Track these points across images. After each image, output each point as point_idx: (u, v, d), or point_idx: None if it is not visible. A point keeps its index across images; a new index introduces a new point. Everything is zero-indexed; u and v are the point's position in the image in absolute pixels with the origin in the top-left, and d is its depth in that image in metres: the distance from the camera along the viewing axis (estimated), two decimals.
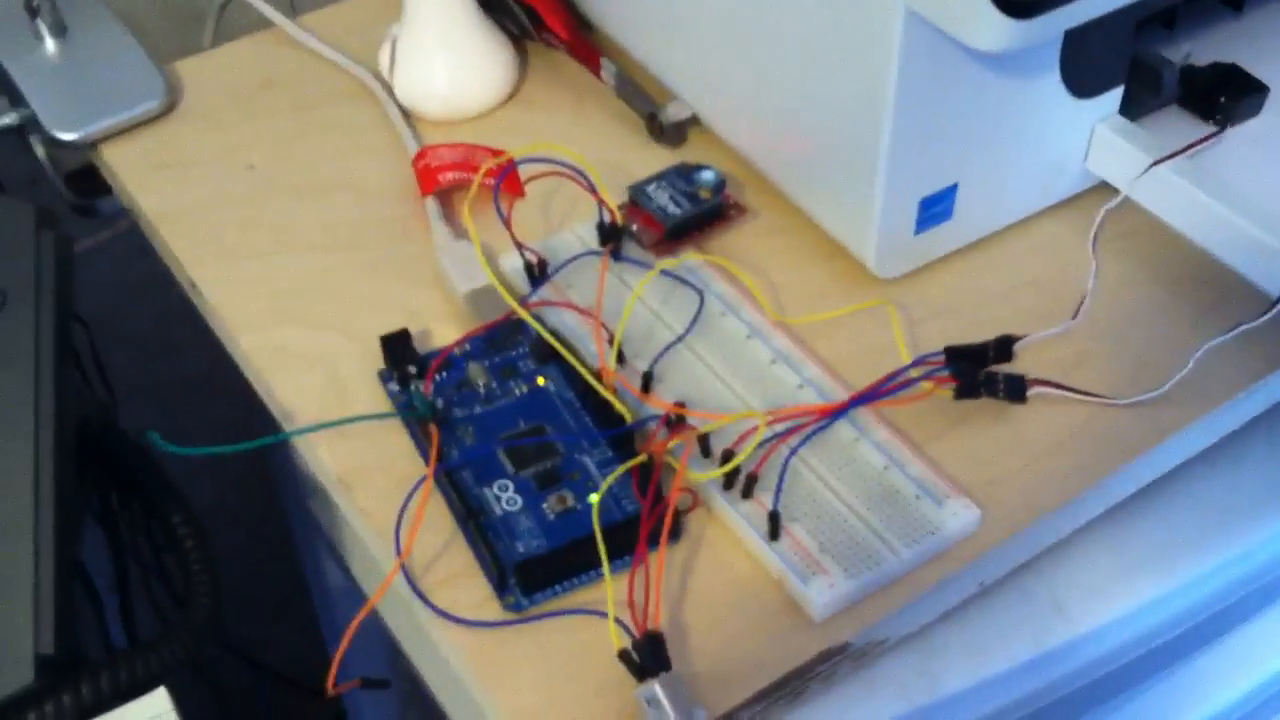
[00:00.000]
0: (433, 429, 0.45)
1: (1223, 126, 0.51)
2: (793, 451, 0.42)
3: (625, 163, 0.55)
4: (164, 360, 0.61)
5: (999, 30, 0.40)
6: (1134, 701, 0.50)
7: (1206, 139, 0.50)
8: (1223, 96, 0.51)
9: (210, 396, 0.52)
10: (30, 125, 0.58)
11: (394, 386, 0.47)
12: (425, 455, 0.45)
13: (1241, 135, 0.51)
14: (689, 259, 0.51)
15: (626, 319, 0.48)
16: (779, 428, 0.43)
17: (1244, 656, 0.52)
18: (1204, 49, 0.54)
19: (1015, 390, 0.46)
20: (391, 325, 0.48)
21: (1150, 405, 0.46)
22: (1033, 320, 0.48)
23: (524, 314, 0.47)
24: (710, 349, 0.48)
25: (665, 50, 0.58)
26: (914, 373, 0.44)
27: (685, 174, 0.52)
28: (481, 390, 0.47)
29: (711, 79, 0.55)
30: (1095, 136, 0.50)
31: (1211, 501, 0.47)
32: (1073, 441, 0.45)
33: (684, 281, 0.49)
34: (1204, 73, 0.52)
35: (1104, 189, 0.52)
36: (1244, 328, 0.46)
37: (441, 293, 0.51)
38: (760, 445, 0.43)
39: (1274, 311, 0.45)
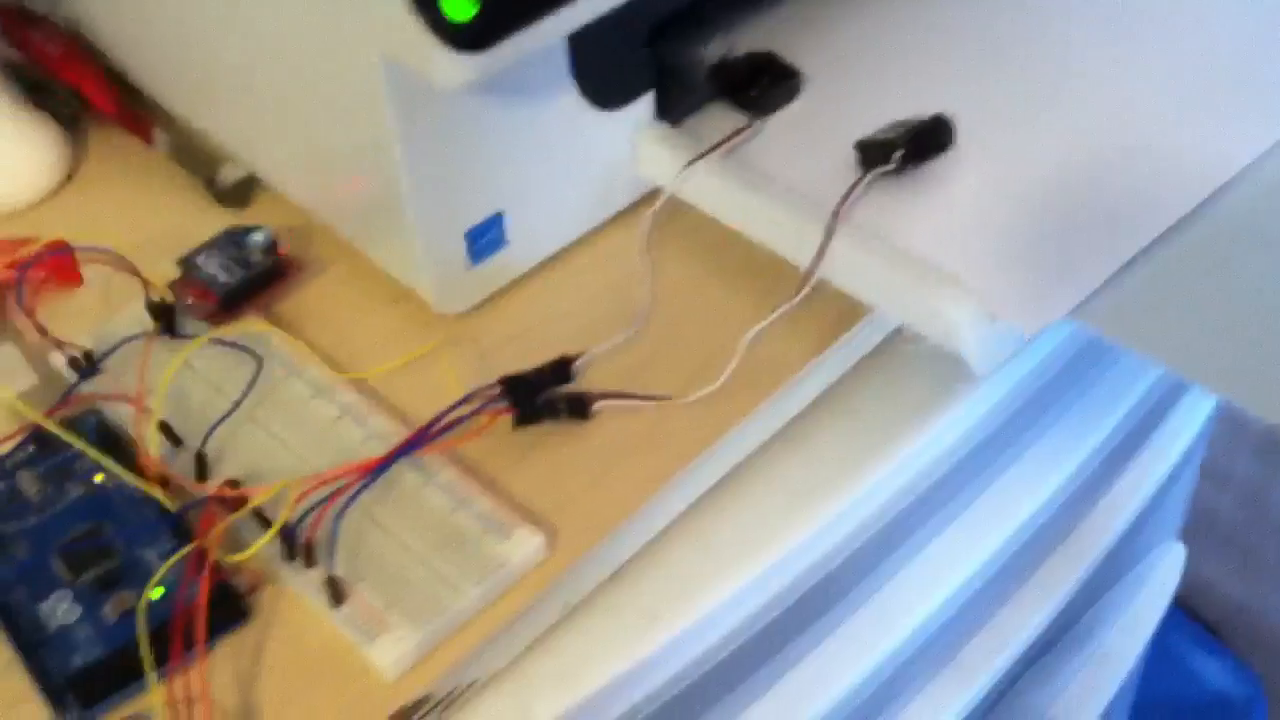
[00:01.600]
0: None
1: (757, 117, 0.52)
2: (341, 511, 0.41)
3: (194, 233, 0.53)
4: None
5: (456, 67, 0.40)
6: (748, 693, 0.51)
7: (741, 132, 0.52)
8: (755, 87, 0.53)
9: None
10: None
11: None
12: None
13: (779, 122, 0.53)
14: (249, 326, 0.49)
15: (167, 397, 0.46)
16: (329, 488, 0.42)
17: (853, 634, 0.54)
18: (748, 39, 0.55)
19: (577, 408, 0.46)
20: None
21: (711, 400, 0.47)
22: (602, 334, 0.49)
23: (48, 422, 0.45)
24: (274, 417, 0.46)
25: (212, 111, 0.56)
26: (465, 408, 0.44)
27: (236, 238, 0.50)
28: (33, 498, 0.44)
29: (256, 136, 0.54)
30: (635, 144, 0.51)
31: (789, 482, 0.48)
32: (641, 448, 0.46)
33: (241, 350, 0.48)
34: (738, 65, 0.54)
35: (658, 192, 0.53)
36: (782, 309, 0.47)
37: None
38: (315, 508, 0.42)
39: (806, 288, 0.47)
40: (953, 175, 0.50)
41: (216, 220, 0.54)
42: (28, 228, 0.54)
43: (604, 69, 0.48)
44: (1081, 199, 0.49)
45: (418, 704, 0.40)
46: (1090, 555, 0.64)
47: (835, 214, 0.47)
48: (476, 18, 0.38)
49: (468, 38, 0.38)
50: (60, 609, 0.42)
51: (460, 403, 0.44)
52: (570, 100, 0.48)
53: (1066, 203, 0.49)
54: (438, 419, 0.44)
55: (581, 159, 0.50)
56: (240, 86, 0.52)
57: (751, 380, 0.47)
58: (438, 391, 0.47)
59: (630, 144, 0.51)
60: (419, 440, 0.43)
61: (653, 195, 0.53)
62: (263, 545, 0.41)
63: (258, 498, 0.42)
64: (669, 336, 0.49)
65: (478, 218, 0.48)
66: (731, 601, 0.46)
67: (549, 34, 0.41)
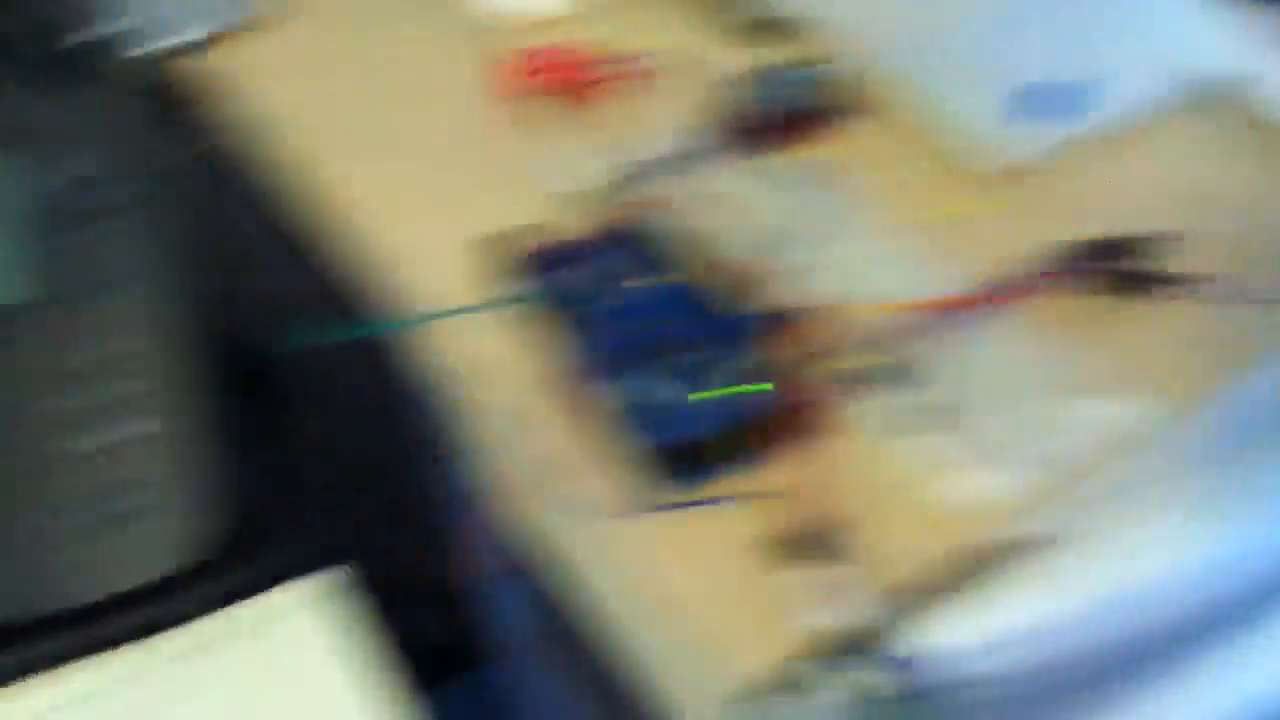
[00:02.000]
0: (564, 322, 0.43)
1: None
2: (930, 344, 0.40)
3: (725, 60, 0.52)
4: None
5: None
6: None
7: None
8: None
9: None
10: (125, 38, 0.55)
11: (520, 281, 0.45)
12: (555, 350, 0.43)
13: None
14: (808, 156, 0.48)
15: (724, 212, 0.46)
16: (920, 321, 0.41)
17: None
18: None
19: (1160, 287, 0.43)
20: (505, 225, 0.46)
21: None
22: (1165, 217, 0.46)
23: (642, 213, 0.45)
24: (828, 246, 0.45)
25: None
26: (1052, 269, 0.42)
27: (797, 70, 0.49)
28: (612, 286, 0.44)
29: None
30: (1227, 26, 0.48)
31: None
32: (1207, 341, 0.43)
33: (804, 180, 0.47)
34: None
35: (1241, 84, 0.49)
36: None
37: (549, 196, 0.48)
38: (903, 339, 0.40)
39: None
40: None
41: (746, 52, 0.53)
42: (564, 35, 0.53)
43: None
44: None
45: (1003, 545, 0.39)
46: None
47: None
48: None
49: None
50: (643, 391, 0.41)
51: (1050, 262, 0.42)
52: None
53: None
54: (1030, 273, 0.41)
55: (1175, 34, 0.47)
56: None
57: None
58: (989, 247, 0.45)
59: (1219, 27, 0.48)
60: (1014, 288, 0.41)
61: (1244, 81, 0.49)
62: (859, 363, 0.40)
63: (855, 314, 0.40)
64: (1252, 232, 0.46)
65: (1058, 77, 0.45)
66: None
67: None
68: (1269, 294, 0.43)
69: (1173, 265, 0.44)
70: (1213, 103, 0.49)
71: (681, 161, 0.48)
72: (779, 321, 0.42)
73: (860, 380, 0.41)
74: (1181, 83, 0.49)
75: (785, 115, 0.48)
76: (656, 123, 0.50)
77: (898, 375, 0.40)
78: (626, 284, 0.45)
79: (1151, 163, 0.49)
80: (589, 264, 0.45)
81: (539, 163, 0.49)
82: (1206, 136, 0.49)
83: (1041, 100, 0.46)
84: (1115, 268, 0.43)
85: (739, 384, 0.40)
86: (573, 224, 0.46)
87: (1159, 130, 0.50)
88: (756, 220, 0.46)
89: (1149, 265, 0.44)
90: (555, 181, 0.48)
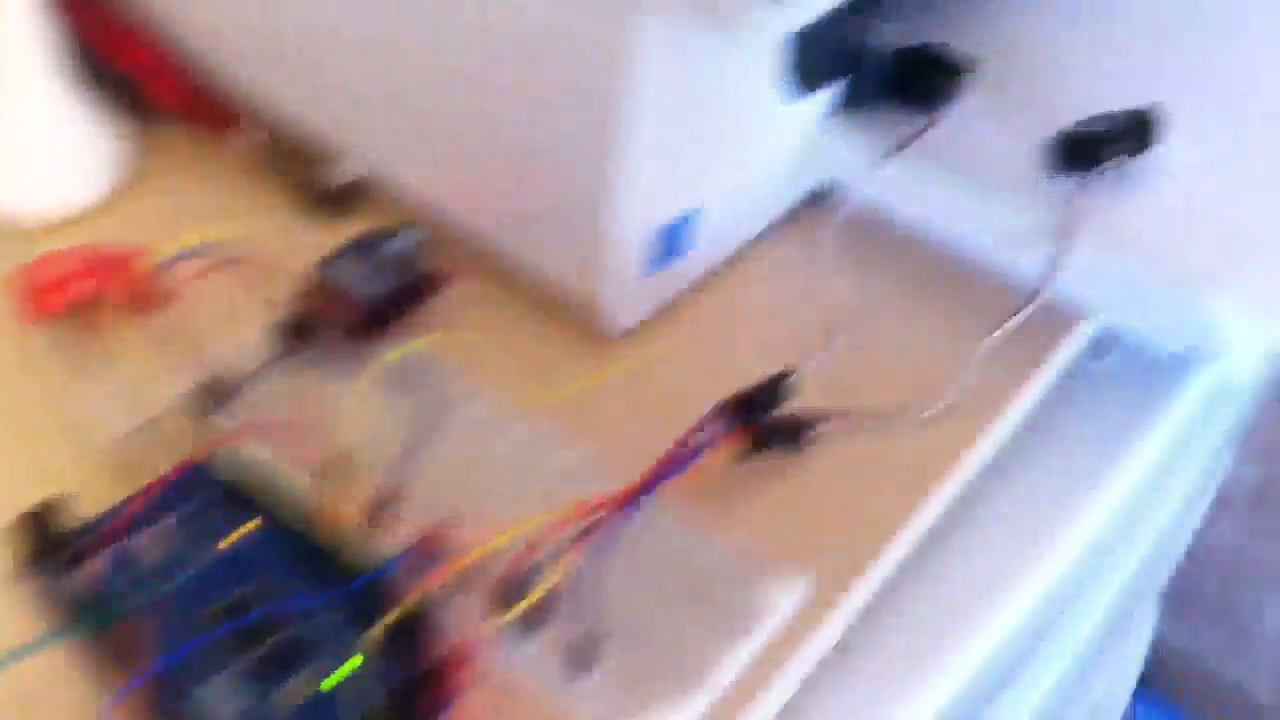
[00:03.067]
0: (115, 633, 0.34)
1: (932, 111, 0.48)
2: (582, 563, 0.35)
3: (293, 242, 0.45)
4: None
5: None
6: None
7: (926, 127, 0.47)
8: (931, 79, 0.48)
9: None
10: None
11: (43, 584, 0.35)
12: (110, 670, 0.34)
13: (959, 116, 0.48)
14: (404, 346, 0.42)
15: (323, 429, 0.39)
16: (566, 535, 0.35)
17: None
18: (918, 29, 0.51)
19: (800, 431, 0.40)
20: (21, 501, 0.36)
21: (935, 421, 0.41)
22: (794, 350, 0.43)
23: (219, 446, 0.37)
24: (452, 452, 0.39)
25: (323, 103, 0.48)
26: (698, 437, 0.38)
27: (377, 243, 0.43)
28: (167, 562, 0.36)
29: (388, 127, 0.46)
30: (822, 135, 0.46)
31: (1010, 519, 0.43)
32: (870, 476, 0.40)
33: (406, 373, 0.41)
34: (911, 56, 0.49)
35: (837, 193, 0.48)
36: (1014, 321, 0.43)
37: (81, 446, 0.39)
38: (546, 561, 0.35)
39: (1038, 300, 0.42)
40: (1161, 170, 0.46)
41: (316, 231, 0.47)
42: (94, 235, 0.45)
43: (817, 44, 0.43)
44: None
45: None
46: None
47: (1069, 214, 0.42)
48: None
49: None
50: (219, 698, 0.33)
51: (695, 429, 0.38)
52: (770, 78, 0.42)
53: None
54: (680, 448, 0.37)
55: (767, 149, 0.45)
56: (385, 66, 0.44)
57: (980, 397, 0.42)
58: (631, 416, 0.41)
59: (814, 136, 0.46)
60: (665, 472, 0.36)
61: (827, 195, 0.48)
62: (522, 609, 0.34)
63: (490, 542, 0.34)
64: (875, 352, 0.44)
65: (673, 214, 0.42)
66: (970, 651, 0.41)
67: None
68: (905, 416, 0.41)
69: (808, 405, 0.41)
70: (807, 216, 0.47)
71: (264, 370, 0.40)
72: (405, 565, 0.36)
73: (511, 623, 0.35)
74: (789, 195, 0.47)
75: (383, 296, 0.42)
76: (230, 328, 0.42)
77: (543, 613, 0.35)
78: (201, 548, 0.36)
79: (770, 288, 0.46)
80: (147, 535, 0.36)
81: (74, 404, 0.40)
82: (814, 252, 0.47)
83: (673, 238, 0.42)
84: (757, 422, 0.40)
85: (350, 663, 0.33)
86: (122, 482, 0.37)
87: (761, 255, 0.47)
88: (366, 434, 0.39)
89: (787, 412, 0.41)
90: (98, 426, 0.39)
